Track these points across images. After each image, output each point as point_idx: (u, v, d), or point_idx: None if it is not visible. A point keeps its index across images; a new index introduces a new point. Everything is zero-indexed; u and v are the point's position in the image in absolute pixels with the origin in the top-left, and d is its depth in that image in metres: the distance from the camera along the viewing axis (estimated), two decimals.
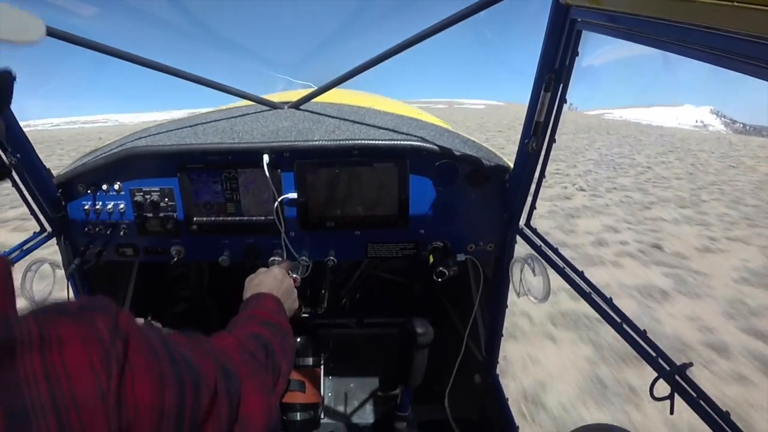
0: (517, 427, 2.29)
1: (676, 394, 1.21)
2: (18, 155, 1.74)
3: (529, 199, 1.96)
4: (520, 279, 1.99)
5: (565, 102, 1.61)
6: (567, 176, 16.84)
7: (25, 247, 1.93)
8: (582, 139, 32.08)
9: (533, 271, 1.90)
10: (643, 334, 1.38)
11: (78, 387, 0.62)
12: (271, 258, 2.11)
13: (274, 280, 1.62)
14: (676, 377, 1.22)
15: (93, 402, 0.63)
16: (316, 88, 2.33)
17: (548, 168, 1.78)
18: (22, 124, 1.71)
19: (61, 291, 2.08)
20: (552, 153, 1.74)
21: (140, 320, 1.62)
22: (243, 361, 1.07)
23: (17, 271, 1.88)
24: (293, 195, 2.02)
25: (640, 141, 34.00)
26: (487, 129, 42.91)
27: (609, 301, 1.52)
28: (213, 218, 2.08)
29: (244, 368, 1.05)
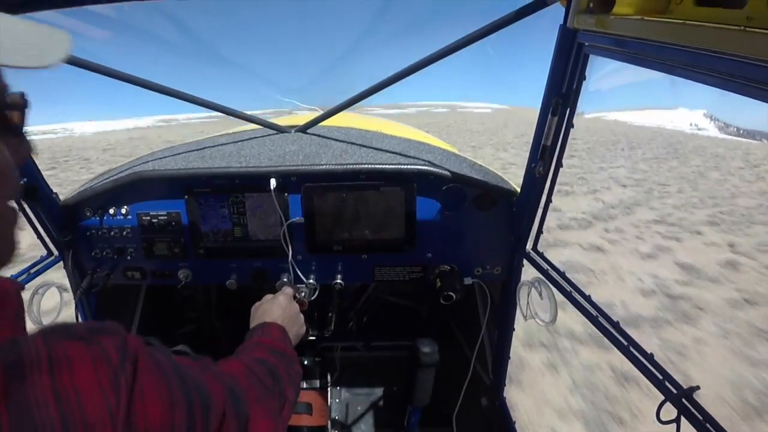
0: None
1: (682, 418, 1.20)
2: (24, 179, 1.75)
3: (536, 222, 1.95)
4: (527, 302, 1.98)
5: (572, 126, 1.61)
6: None
7: (32, 271, 1.93)
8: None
9: (540, 294, 1.88)
10: (650, 357, 1.37)
11: (88, 407, 0.62)
12: (279, 281, 2.11)
13: (279, 308, 1.62)
14: (683, 400, 1.21)
15: (102, 422, 0.63)
16: (322, 112, 2.34)
17: None
18: None
19: (69, 315, 2.08)
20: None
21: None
22: (251, 385, 1.07)
23: (24, 295, 1.88)
24: (300, 219, 2.02)
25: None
26: None
27: (616, 325, 1.51)
28: (220, 242, 2.09)
29: (252, 392, 1.04)
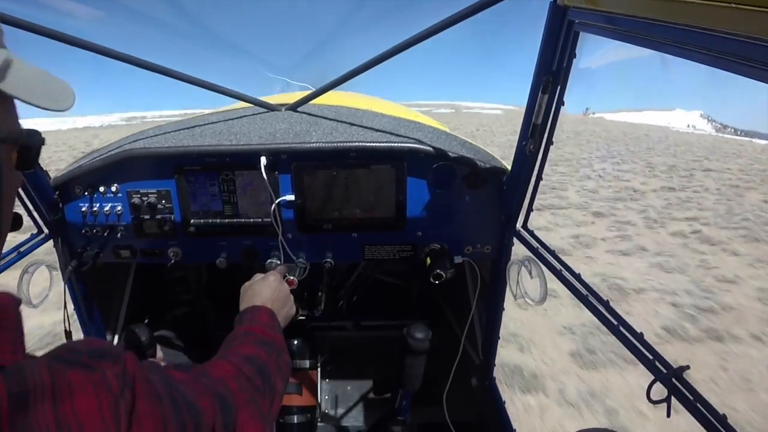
0: (514, 431, 2.28)
1: (672, 397, 1.21)
2: None
3: (527, 201, 1.95)
4: (517, 281, 1.98)
5: (563, 104, 1.60)
6: None
7: (22, 249, 1.91)
8: None
9: (530, 273, 1.89)
10: (640, 336, 1.37)
11: None
12: (269, 260, 2.10)
13: (269, 289, 1.63)
14: (673, 380, 1.22)
15: None
16: (313, 90, 2.32)
17: None
18: None
19: (59, 293, 2.07)
20: None
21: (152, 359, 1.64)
22: (239, 388, 1.10)
23: (14, 273, 1.87)
24: (290, 197, 2.01)
25: None
26: None
27: (606, 304, 1.51)
28: (210, 220, 2.08)
29: (240, 396, 1.08)
